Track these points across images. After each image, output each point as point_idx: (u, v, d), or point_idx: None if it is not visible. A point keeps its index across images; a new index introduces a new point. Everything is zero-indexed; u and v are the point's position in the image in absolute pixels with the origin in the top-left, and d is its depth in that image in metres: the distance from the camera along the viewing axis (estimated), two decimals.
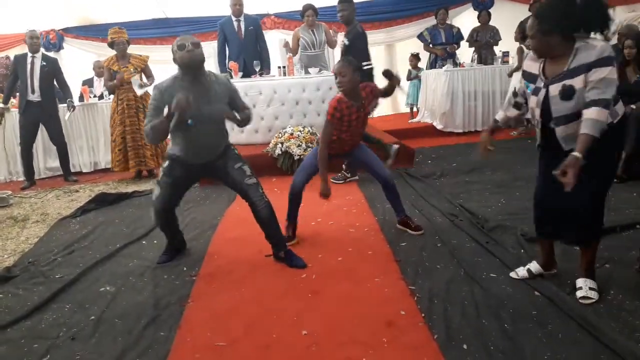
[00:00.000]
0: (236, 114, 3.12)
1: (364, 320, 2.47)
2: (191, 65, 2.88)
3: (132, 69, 5.80)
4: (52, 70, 6.12)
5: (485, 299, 2.57)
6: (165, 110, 2.82)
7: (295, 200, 3.59)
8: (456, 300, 2.59)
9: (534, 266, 2.75)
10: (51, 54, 7.90)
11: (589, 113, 2.17)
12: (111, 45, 5.87)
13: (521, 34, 6.15)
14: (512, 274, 2.80)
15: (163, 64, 6.19)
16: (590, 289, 2.49)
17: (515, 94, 2.71)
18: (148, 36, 7.98)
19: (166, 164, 3.15)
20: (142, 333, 2.52)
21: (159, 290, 2.99)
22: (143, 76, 5.93)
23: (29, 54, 6.01)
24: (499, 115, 2.78)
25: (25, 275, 3.37)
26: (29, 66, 5.98)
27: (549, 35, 2.27)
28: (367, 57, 5.11)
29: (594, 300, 2.44)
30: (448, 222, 3.73)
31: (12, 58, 6.64)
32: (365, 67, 4.68)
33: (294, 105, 6.05)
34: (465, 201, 4.15)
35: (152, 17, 8.03)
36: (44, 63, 6.04)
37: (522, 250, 3.10)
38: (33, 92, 5.97)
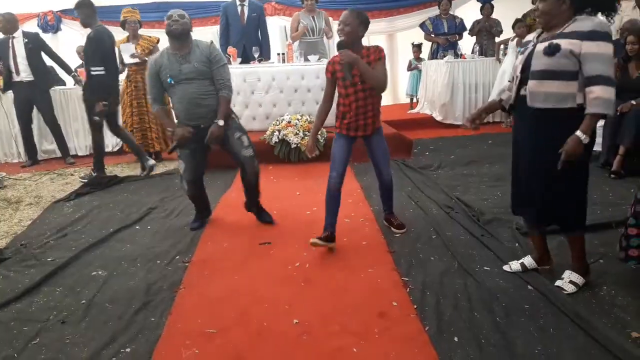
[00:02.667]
0: (217, 122, 3.37)
1: (356, 311, 2.46)
2: (174, 34, 3.28)
3: (139, 50, 5.75)
4: (37, 46, 6.04)
5: (479, 292, 2.56)
6: (170, 131, 3.40)
7: (333, 201, 3.21)
8: (449, 292, 2.58)
9: (528, 260, 2.75)
10: (49, 36, 7.85)
11: (597, 91, 2.17)
12: (123, 24, 5.82)
13: (527, 28, 6.16)
14: (506, 267, 2.79)
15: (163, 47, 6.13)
16: (571, 282, 2.50)
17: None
18: (148, 19, 7.90)
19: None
20: (133, 318, 2.50)
21: (151, 275, 2.98)
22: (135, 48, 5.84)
23: (9, 36, 5.93)
24: (504, 94, 2.68)
25: (17, 257, 3.35)
26: (10, 48, 5.91)
27: (561, 1, 2.27)
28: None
29: (567, 292, 2.46)
30: (444, 214, 3.71)
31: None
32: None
33: (292, 92, 6.00)
34: (461, 193, 4.13)
35: (153, 0, 7.95)
36: (26, 40, 5.96)
37: (517, 244, 3.10)
38: (18, 73, 5.92)
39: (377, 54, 3.00)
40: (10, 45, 5.92)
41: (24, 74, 5.96)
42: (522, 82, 2.43)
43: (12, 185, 5.36)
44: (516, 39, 6.56)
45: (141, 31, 6.01)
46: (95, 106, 4.87)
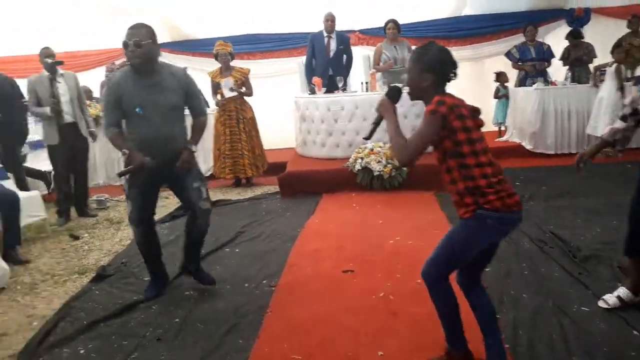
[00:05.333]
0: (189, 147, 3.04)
1: (444, 346, 2.39)
2: (134, 64, 2.90)
3: (232, 81, 6.08)
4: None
5: (576, 335, 2.41)
6: (125, 152, 2.89)
7: (452, 312, 2.19)
8: (544, 332, 2.45)
9: (624, 292, 2.61)
10: None
11: None
12: (216, 57, 6.19)
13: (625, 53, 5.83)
14: (601, 303, 2.64)
15: (252, 77, 6.42)
16: None
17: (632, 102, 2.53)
18: (237, 51, 8.33)
19: (128, 175, 3.05)
20: (223, 339, 2.60)
21: (240, 298, 3.08)
22: (234, 83, 6.15)
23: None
24: (605, 131, 2.60)
25: (118, 274, 3.60)
26: None
27: None
28: None
29: None
30: (536, 249, 3.54)
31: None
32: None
33: None
34: (555, 227, 3.93)
35: (241, 33, 8.38)
36: None
37: (619, 284, 2.88)
38: None
39: (429, 106, 1.95)
40: None
41: None
42: None
43: (114, 206, 5.78)
44: (614, 65, 6.21)
45: (233, 63, 6.35)
46: None
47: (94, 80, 7.64)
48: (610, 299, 2.63)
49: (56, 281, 3.60)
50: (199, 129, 3.14)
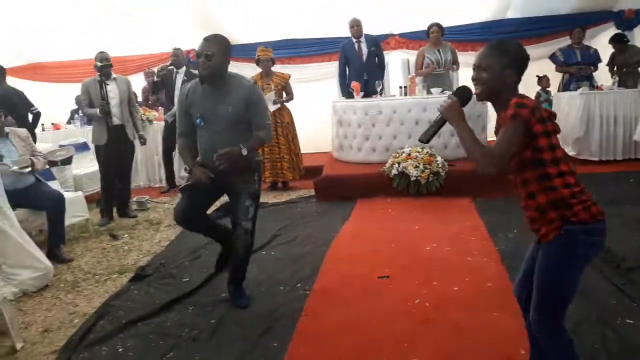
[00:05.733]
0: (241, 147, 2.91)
1: (480, 355, 2.34)
2: (202, 76, 2.89)
3: (272, 86, 6.15)
4: None
5: (620, 348, 2.31)
6: (187, 168, 3.01)
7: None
8: (585, 345, 2.36)
9: None
10: (194, 72, 8.68)
11: None
12: (257, 62, 6.29)
13: None
14: None
15: (291, 82, 6.47)
16: None
17: None
18: (276, 56, 8.42)
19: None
20: (258, 341, 2.62)
21: (274, 300, 3.10)
22: (275, 94, 6.21)
23: (174, 69, 6.58)
24: None
25: (157, 275, 3.67)
26: (175, 81, 6.54)
27: None
28: None
29: None
30: None
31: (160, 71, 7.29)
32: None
33: (413, 125, 5.97)
34: None
35: (281, 38, 8.46)
36: (185, 78, 6.58)
37: None
38: (173, 105, 6.54)
39: (505, 113, 1.75)
40: (175, 78, 6.57)
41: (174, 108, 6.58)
42: None
43: (154, 207, 5.92)
44: None
45: (274, 68, 6.41)
46: None
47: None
48: None
49: (97, 280, 3.71)
50: (255, 139, 3.02)
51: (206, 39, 2.89)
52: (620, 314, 2.63)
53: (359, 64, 6.57)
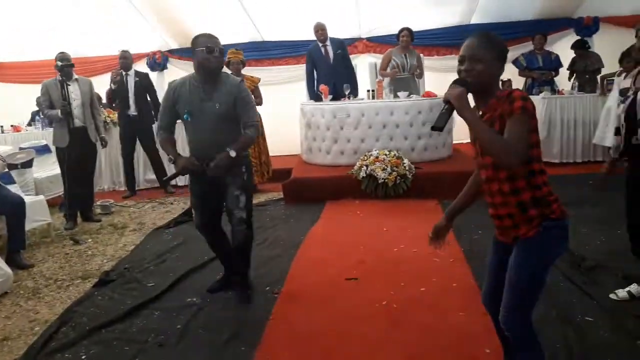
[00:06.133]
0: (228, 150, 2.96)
1: (446, 355, 2.38)
2: (212, 70, 2.95)
3: None
4: (144, 85, 6.58)
5: (581, 345, 2.38)
6: (171, 159, 3.04)
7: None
8: (547, 343, 2.41)
9: (635, 288, 2.77)
10: (156, 73, 8.54)
11: None
12: (227, 64, 6.19)
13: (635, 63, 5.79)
14: (612, 295, 2.81)
15: (260, 84, 6.44)
16: None
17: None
18: (246, 58, 8.36)
19: (189, 183, 3.23)
20: (225, 346, 2.59)
21: (242, 305, 3.06)
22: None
23: (123, 72, 6.48)
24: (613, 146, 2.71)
25: (121, 280, 3.60)
26: (126, 84, 6.45)
27: None
28: None
29: None
30: None
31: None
32: None
33: (381, 128, 6.03)
34: None
35: (250, 40, 8.42)
36: (137, 79, 6.51)
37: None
38: (128, 107, 6.45)
39: (508, 105, 1.68)
40: (126, 81, 6.48)
41: (132, 109, 6.48)
42: (631, 131, 2.45)
43: (118, 211, 5.79)
44: (623, 74, 6.18)
45: (244, 70, 6.36)
46: None
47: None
48: (620, 292, 2.80)
49: (59, 286, 3.61)
50: (243, 138, 3.06)
51: (210, 36, 2.98)
52: (580, 311, 2.71)
53: (327, 67, 6.61)
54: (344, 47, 6.80)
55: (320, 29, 6.53)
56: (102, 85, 7.79)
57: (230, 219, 3.09)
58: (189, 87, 2.99)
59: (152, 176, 7.03)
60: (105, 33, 7.98)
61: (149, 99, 6.63)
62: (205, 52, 2.89)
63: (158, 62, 8.83)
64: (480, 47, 1.76)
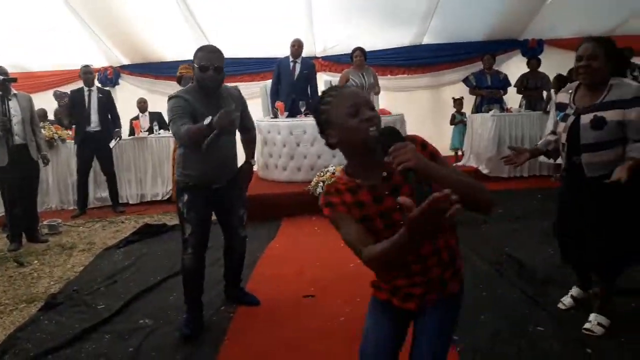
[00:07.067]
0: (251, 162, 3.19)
1: None
2: (211, 88, 2.82)
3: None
4: (107, 101, 6.45)
5: (533, 356, 2.44)
6: (207, 120, 2.58)
7: None
8: (500, 354, 2.47)
9: (576, 291, 2.91)
10: (106, 89, 8.36)
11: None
12: (179, 80, 6.07)
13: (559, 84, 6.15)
14: (560, 305, 2.91)
15: None
16: (599, 324, 2.59)
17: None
18: None
19: (185, 197, 2.88)
20: None
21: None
22: None
23: (85, 88, 6.32)
24: (551, 146, 2.83)
25: (69, 302, 3.45)
26: (86, 99, 6.28)
27: (608, 61, 2.42)
28: None
29: (596, 334, 2.55)
30: (493, 271, 3.60)
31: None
32: None
33: None
34: (511, 250, 4.01)
35: None
36: (100, 95, 6.36)
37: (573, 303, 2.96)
38: (90, 123, 6.26)
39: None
40: (87, 96, 6.29)
41: (94, 125, 6.29)
42: (572, 151, 2.55)
43: (67, 231, 5.57)
44: (560, 94, 6.49)
45: None
46: None
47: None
48: (565, 299, 2.91)
49: (2, 311, 3.41)
50: (252, 142, 3.24)
51: (212, 51, 2.82)
52: (533, 322, 2.78)
53: (290, 83, 6.65)
54: (312, 70, 6.88)
55: (297, 45, 6.61)
56: (48, 101, 7.54)
57: (232, 237, 3.17)
58: (199, 100, 2.81)
59: (104, 194, 6.82)
60: (52, 47, 7.74)
61: (109, 116, 6.49)
62: (199, 71, 2.76)
63: (109, 77, 8.65)
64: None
